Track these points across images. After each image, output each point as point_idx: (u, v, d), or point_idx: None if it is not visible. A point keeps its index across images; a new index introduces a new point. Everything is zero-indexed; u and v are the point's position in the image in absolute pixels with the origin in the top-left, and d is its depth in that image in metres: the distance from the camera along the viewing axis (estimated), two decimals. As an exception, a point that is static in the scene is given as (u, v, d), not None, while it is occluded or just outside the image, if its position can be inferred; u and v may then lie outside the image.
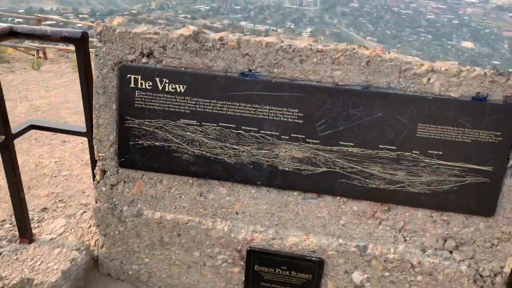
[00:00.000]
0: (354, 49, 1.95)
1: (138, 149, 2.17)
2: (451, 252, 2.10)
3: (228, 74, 2.04)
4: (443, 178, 2.00)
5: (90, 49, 2.20)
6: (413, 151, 1.99)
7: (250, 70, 2.02)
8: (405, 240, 2.12)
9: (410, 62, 1.93)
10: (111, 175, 2.25)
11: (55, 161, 4.04)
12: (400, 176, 2.02)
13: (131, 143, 2.16)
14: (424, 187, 2.02)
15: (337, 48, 1.94)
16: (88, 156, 2.74)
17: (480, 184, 1.98)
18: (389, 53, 1.99)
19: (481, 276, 2.09)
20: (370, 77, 1.95)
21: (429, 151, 1.98)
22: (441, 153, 1.97)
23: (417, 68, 1.92)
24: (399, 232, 2.11)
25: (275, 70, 2.00)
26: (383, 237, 2.13)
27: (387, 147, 2.00)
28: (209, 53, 2.02)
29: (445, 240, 2.09)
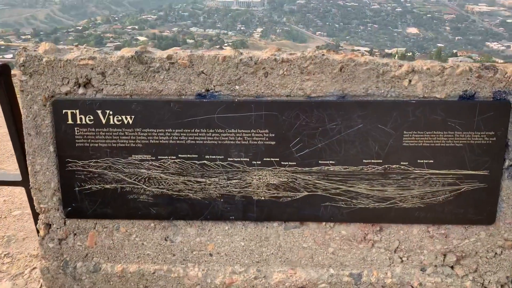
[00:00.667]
0: (323, 54, 1.70)
1: (86, 195, 1.84)
2: (452, 267, 1.90)
3: (183, 97, 1.75)
4: (436, 188, 1.79)
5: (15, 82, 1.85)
6: (401, 163, 1.76)
7: (208, 90, 1.74)
8: (402, 261, 1.90)
9: (387, 63, 1.71)
10: (57, 228, 1.91)
11: (4, 200, 3.61)
12: (390, 191, 1.80)
13: (77, 189, 1.83)
14: (417, 200, 1.80)
15: (305, 56, 1.69)
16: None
17: (477, 191, 1.78)
18: (362, 55, 1.76)
19: (487, 289, 1.90)
20: (345, 85, 1.72)
21: (418, 161, 1.76)
22: (431, 161, 1.76)
23: (396, 69, 1.70)
24: (395, 253, 1.89)
25: (237, 87, 1.73)
26: (378, 261, 1.90)
27: (372, 161, 1.77)
28: (157, 75, 1.72)
29: (445, 255, 1.89)
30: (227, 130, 1.75)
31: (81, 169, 1.81)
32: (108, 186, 1.83)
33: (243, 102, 1.73)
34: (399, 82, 1.71)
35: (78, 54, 1.73)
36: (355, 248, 1.89)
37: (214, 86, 1.73)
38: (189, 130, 1.76)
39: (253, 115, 1.73)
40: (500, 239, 1.85)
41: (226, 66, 1.71)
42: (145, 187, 1.83)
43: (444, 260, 1.89)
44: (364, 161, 1.77)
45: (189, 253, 1.92)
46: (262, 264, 1.92)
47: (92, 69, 1.72)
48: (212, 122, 1.75)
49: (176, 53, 1.73)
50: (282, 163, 1.78)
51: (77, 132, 1.76)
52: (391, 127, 1.73)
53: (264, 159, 1.78)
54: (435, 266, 1.89)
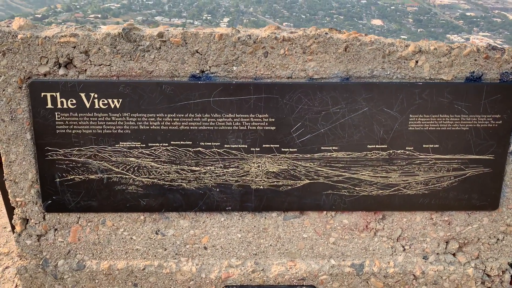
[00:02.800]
0: (326, 33, 1.60)
1: (68, 187, 1.68)
2: (454, 254, 1.85)
3: (175, 79, 1.61)
4: (441, 174, 1.73)
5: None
6: (407, 148, 1.69)
7: (203, 72, 1.60)
8: (404, 250, 1.83)
9: (393, 43, 1.62)
10: (35, 224, 1.74)
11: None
12: (394, 178, 1.72)
13: (58, 180, 1.67)
14: (421, 187, 1.74)
15: (307, 34, 1.58)
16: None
17: (481, 176, 1.73)
18: (366, 35, 1.67)
19: (488, 276, 1.86)
20: (349, 65, 1.62)
21: (424, 146, 1.69)
22: (437, 146, 1.69)
23: (402, 50, 1.61)
24: (397, 241, 1.82)
25: (234, 68, 1.60)
26: (380, 250, 1.83)
27: (377, 146, 1.68)
28: (147, 55, 1.57)
29: (447, 243, 1.84)
30: (223, 115, 1.63)
31: (63, 158, 1.64)
32: (93, 177, 1.67)
33: (241, 84, 1.61)
34: (405, 63, 1.62)
35: (58, 31, 1.56)
36: (357, 237, 1.81)
37: (209, 66, 1.60)
38: (182, 115, 1.62)
39: (251, 99, 1.62)
40: (503, 224, 1.81)
41: (223, 45, 1.58)
42: (134, 177, 1.68)
43: (446, 247, 1.84)
44: (368, 146, 1.68)
45: (182, 247, 1.79)
46: (260, 257, 1.82)
47: (74, 47, 1.55)
48: (208, 106, 1.62)
49: (168, 30, 1.59)
50: (283, 149, 1.67)
51: (58, 118, 1.59)
52: (397, 110, 1.65)
53: (263, 145, 1.67)
54: (437, 254, 1.84)
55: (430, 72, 1.63)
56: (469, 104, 1.65)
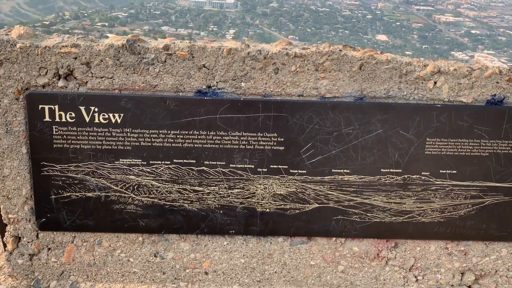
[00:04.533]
0: (340, 50, 1.52)
1: (64, 204, 1.59)
2: (470, 287, 1.75)
3: (180, 94, 1.53)
4: (458, 201, 1.63)
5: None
6: (422, 173, 1.60)
7: (209, 87, 1.52)
8: (417, 280, 1.73)
9: (411, 63, 1.54)
10: (28, 242, 1.65)
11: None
12: (408, 204, 1.63)
13: (53, 197, 1.58)
14: (437, 214, 1.64)
15: (321, 51, 1.50)
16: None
17: (501, 205, 1.64)
18: (381, 53, 1.59)
19: (506, 311, 1.76)
20: (364, 84, 1.54)
21: (441, 171, 1.60)
22: (455, 172, 1.60)
23: (420, 70, 1.53)
24: (410, 271, 1.72)
25: (243, 84, 1.52)
26: (391, 280, 1.72)
27: (391, 170, 1.59)
28: (151, 68, 1.50)
29: (463, 274, 1.73)
30: (230, 133, 1.54)
31: (59, 174, 1.55)
32: (90, 194, 1.58)
33: (250, 101, 1.52)
34: (423, 83, 1.54)
35: (59, 41, 1.48)
36: (367, 266, 1.71)
37: (216, 82, 1.52)
38: (186, 132, 1.54)
39: (260, 117, 1.53)
40: (522, 256, 1.71)
41: (231, 60, 1.50)
42: (133, 196, 1.59)
43: (461, 279, 1.74)
44: (382, 170, 1.59)
45: (182, 271, 1.69)
46: (264, 284, 1.72)
47: (76, 58, 1.47)
48: (214, 123, 1.53)
49: (174, 43, 1.51)
50: (291, 171, 1.58)
51: (56, 131, 1.51)
52: (413, 133, 1.56)
53: (271, 166, 1.58)
54: (452, 285, 1.74)
55: (449, 94, 1.55)
56: (490, 129, 1.56)
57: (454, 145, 1.57)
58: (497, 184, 1.62)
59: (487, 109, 1.55)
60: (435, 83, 1.54)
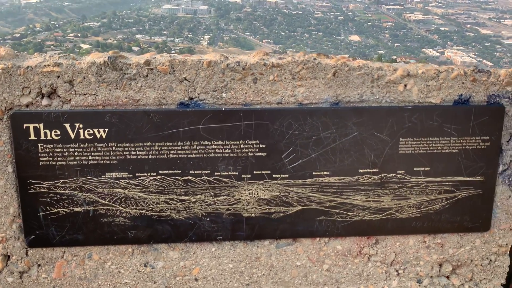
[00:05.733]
0: (315, 59, 1.59)
1: (52, 221, 1.61)
2: (448, 277, 1.84)
3: (163, 107, 1.58)
4: (433, 197, 1.72)
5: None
6: (398, 171, 1.68)
7: (191, 99, 1.58)
8: (398, 274, 1.81)
9: (382, 68, 1.62)
10: (18, 260, 1.66)
11: None
12: (386, 202, 1.71)
13: (42, 213, 1.60)
14: (414, 210, 1.73)
15: (296, 60, 1.57)
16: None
17: (472, 198, 1.73)
18: (354, 59, 1.67)
19: (482, 298, 1.86)
20: (339, 90, 1.61)
21: (415, 169, 1.69)
22: (428, 169, 1.69)
23: (391, 74, 1.62)
24: (391, 266, 1.80)
25: (224, 95, 1.58)
26: (374, 275, 1.80)
27: (368, 170, 1.67)
28: (134, 83, 1.54)
29: (441, 265, 1.82)
30: (213, 142, 1.59)
31: (46, 191, 1.58)
32: (78, 209, 1.61)
33: (231, 111, 1.58)
34: (394, 87, 1.63)
35: (41, 60, 1.51)
36: (350, 263, 1.78)
37: (198, 94, 1.57)
38: (171, 143, 1.58)
39: (242, 125, 1.59)
40: (495, 245, 1.81)
41: (212, 72, 1.55)
42: (121, 208, 1.63)
43: (440, 270, 1.83)
44: (360, 170, 1.67)
45: (172, 279, 1.73)
46: (253, 287, 1.77)
47: (58, 77, 1.50)
48: (197, 134, 1.58)
49: (155, 57, 1.56)
50: (274, 176, 1.65)
51: (41, 149, 1.54)
52: (387, 134, 1.64)
53: (255, 172, 1.64)
54: (431, 277, 1.83)
55: (418, 96, 1.64)
56: (458, 127, 1.66)
57: (426, 144, 1.66)
58: (468, 179, 1.71)
59: (455, 109, 1.65)
60: (405, 86, 1.63)
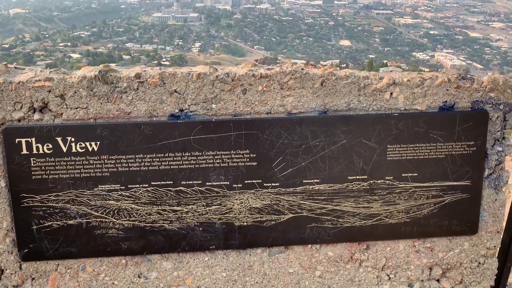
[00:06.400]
0: (303, 69, 1.63)
1: (45, 234, 1.62)
2: (438, 280, 1.87)
3: (154, 119, 1.60)
4: (421, 201, 1.75)
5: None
6: (386, 178, 1.72)
7: (182, 110, 1.60)
8: (390, 278, 1.84)
9: (368, 77, 1.66)
10: (11, 274, 1.67)
11: None
12: (376, 208, 1.74)
13: (35, 227, 1.61)
14: (403, 215, 1.76)
15: (284, 71, 1.61)
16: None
17: (459, 202, 1.77)
18: (340, 68, 1.70)
19: (472, 300, 1.89)
20: (327, 99, 1.65)
21: (403, 175, 1.72)
22: (415, 174, 1.72)
23: (377, 82, 1.65)
24: (382, 271, 1.83)
25: (214, 106, 1.61)
26: (366, 280, 1.83)
27: (357, 177, 1.70)
28: (124, 96, 1.56)
29: (431, 269, 1.85)
30: (204, 153, 1.62)
31: (39, 204, 1.59)
32: (71, 222, 1.62)
33: (221, 122, 1.61)
34: (380, 95, 1.66)
35: (32, 76, 1.53)
36: (342, 269, 1.80)
37: (188, 105, 1.60)
38: (162, 155, 1.60)
39: (232, 135, 1.62)
40: (483, 248, 1.85)
41: (201, 84, 1.58)
42: (114, 220, 1.64)
43: (430, 274, 1.86)
44: (349, 177, 1.70)
45: (166, 289, 1.74)
46: (247, 294, 1.79)
47: (50, 91, 1.52)
48: (188, 145, 1.60)
49: (145, 71, 1.58)
50: (265, 184, 1.67)
51: (34, 163, 1.55)
52: (375, 141, 1.67)
53: (246, 181, 1.66)
54: (422, 280, 1.86)
55: (404, 103, 1.68)
56: (444, 133, 1.70)
57: (413, 150, 1.70)
58: (455, 183, 1.75)
59: (440, 115, 1.69)
60: (391, 94, 1.66)
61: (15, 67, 1.60)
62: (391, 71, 1.79)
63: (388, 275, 1.84)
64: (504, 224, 1.90)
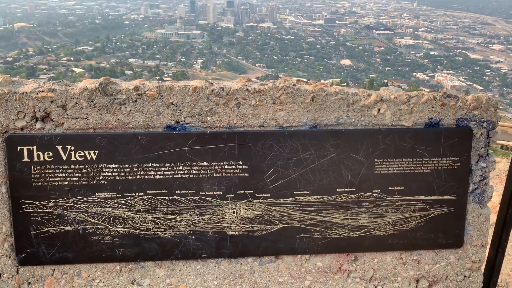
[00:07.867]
0: (294, 84, 1.70)
1: (43, 239, 1.68)
2: (425, 293, 1.91)
3: (151, 130, 1.67)
4: (408, 215, 1.81)
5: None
6: (374, 190, 1.78)
7: (178, 122, 1.67)
8: (377, 290, 1.88)
9: (356, 93, 1.73)
10: (8, 278, 1.72)
11: None
12: (364, 220, 1.80)
13: (33, 232, 1.67)
14: (390, 228, 1.82)
15: (277, 86, 1.68)
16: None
17: (445, 216, 1.83)
18: (331, 85, 1.78)
19: (459, 313, 1.93)
20: (317, 114, 1.72)
21: (390, 188, 1.78)
22: (402, 188, 1.79)
23: (365, 99, 1.73)
24: (370, 282, 1.87)
25: (209, 118, 1.68)
26: (354, 291, 1.87)
27: (346, 190, 1.76)
28: (123, 108, 1.63)
29: (418, 281, 1.90)
30: (198, 163, 1.68)
31: (38, 210, 1.65)
32: (68, 228, 1.68)
33: (215, 134, 1.68)
34: (368, 111, 1.73)
35: (36, 86, 1.60)
36: (331, 279, 1.85)
37: (184, 117, 1.67)
38: (158, 164, 1.67)
39: (225, 147, 1.68)
40: (468, 261, 1.90)
41: (197, 97, 1.65)
42: (110, 227, 1.70)
43: (417, 286, 1.90)
44: (338, 190, 1.76)
45: (159, 296, 1.79)
46: (237, 303, 1.83)
47: (52, 102, 1.60)
48: (183, 155, 1.67)
49: (144, 84, 1.66)
50: (256, 195, 1.73)
51: (34, 170, 1.61)
52: (363, 155, 1.74)
53: (238, 191, 1.72)
54: (409, 292, 1.90)
55: (391, 119, 1.75)
56: (430, 148, 1.76)
57: (400, 164, 1.76)
58: (441, 197, 1.81)
59: (426, 131, 1.76)
60: (379, 110, 1.74)
61: (19, 79, 1.68)
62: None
63: (375, 287, 1.88)
64: (490, 238, 1.95)
